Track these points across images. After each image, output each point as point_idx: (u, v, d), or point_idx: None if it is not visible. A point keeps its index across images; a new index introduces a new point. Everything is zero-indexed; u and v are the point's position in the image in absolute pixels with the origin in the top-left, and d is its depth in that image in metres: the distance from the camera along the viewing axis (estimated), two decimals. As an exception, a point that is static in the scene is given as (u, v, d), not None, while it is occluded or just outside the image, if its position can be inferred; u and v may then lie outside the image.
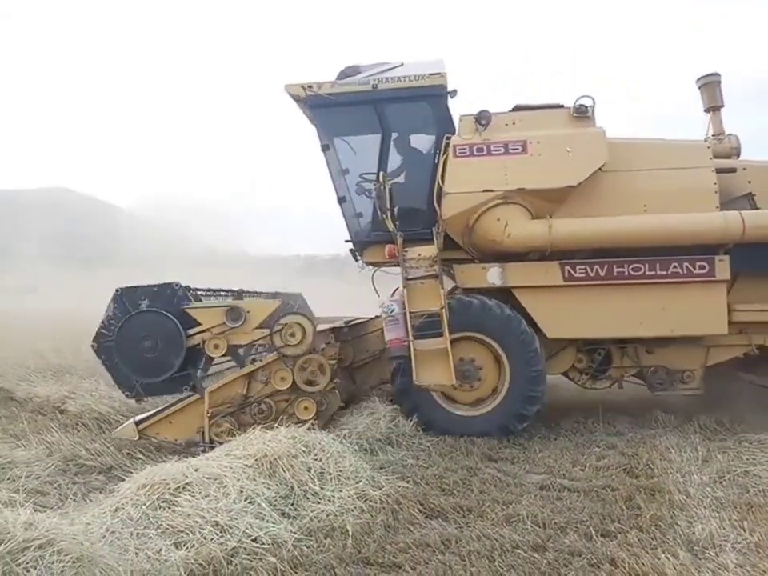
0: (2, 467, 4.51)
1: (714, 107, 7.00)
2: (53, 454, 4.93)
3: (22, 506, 2.95)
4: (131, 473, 4.12)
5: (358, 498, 3.90)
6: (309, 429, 4.65)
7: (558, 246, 5.87)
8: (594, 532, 3.42)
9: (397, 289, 6.15)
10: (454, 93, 6.59)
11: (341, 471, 4.16)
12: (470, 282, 6.26)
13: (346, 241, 6.88)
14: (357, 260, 6.89)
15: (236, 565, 2.99)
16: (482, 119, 6.13)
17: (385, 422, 5.47)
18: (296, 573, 2.98)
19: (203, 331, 5.44)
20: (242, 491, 3.61)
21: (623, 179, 6.05)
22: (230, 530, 3.26)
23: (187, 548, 3.12)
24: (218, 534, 3.22)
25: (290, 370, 5.25)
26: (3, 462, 4.58)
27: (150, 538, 3.19)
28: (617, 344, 6.30)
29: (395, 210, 5.98)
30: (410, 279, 5.79)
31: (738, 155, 6.80)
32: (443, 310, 5.61)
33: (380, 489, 4.04)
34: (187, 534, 3.22)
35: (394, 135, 6.75)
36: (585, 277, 5.94)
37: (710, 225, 5.75)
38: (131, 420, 5.35)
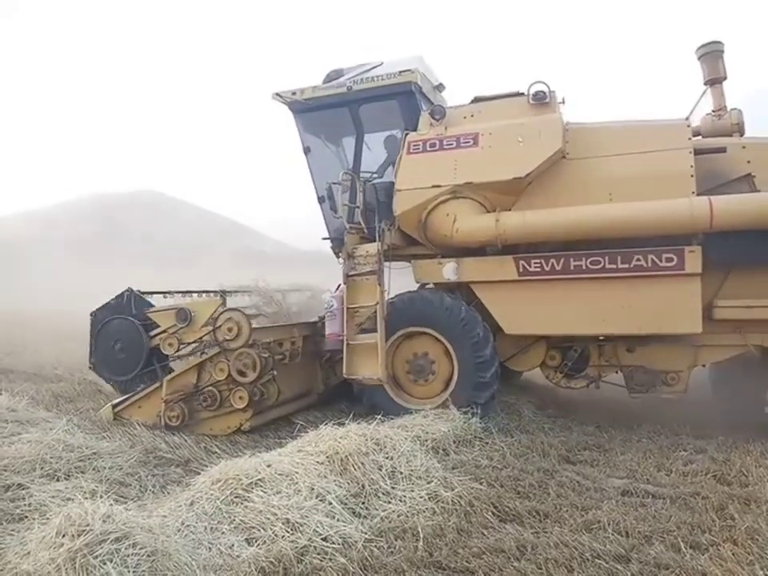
0: (88, 458, 4.68)
1: (715, 79, 6.30)
2: (135, 445, 5.09)
3: (104, 497, 3.04)
4: (207, 467, 4.20)
5: (429, 498, 3.81)
6: (378, 425, 4.63)
7: (507, 239, 5.73)
8: (682, 543, 3.19)
9: (339, 285, 6.25)
10: (441, 87, 6.75)
11: (412, 471, 4.09)
12: (426, 277, 6.35)
13: (324, 238, 7.04)
14: (338, 256, 6.79)
15: (306, 564, 2.97)
16: (436, 114, 6.15)
17: (456, 421, 5.35)
18: (366, 574, 2.93)
19: (163, 332, 6.11)
20: (312, 489, 3.60)
21: (588, 166, 5.74)
22: (301, 528, 3.24)
23: (258, 545, 3.13)
24: (288, 532, 3.21)
25: (227, 362, 5.62)
26: (89, 452, 4.75)
27: (222, 533, 3.22)
28: (594, 341, 6.00)
29: (356, 206, 6.23)
30: (351, 275, 6.00)
31: (742, 132, 6.15)
32: (378, 306, 5.74)
33: (452, 490, 3.93)
34: (259, 530, 3.23)
35: (369, 134, 6.83)
36: (540, 271, 5.72)
37: (672, 213, 5.24)
38: (110, 403, 6.06)
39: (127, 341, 6.31)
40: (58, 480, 4.23)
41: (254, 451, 4.53)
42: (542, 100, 5.90)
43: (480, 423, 5.46)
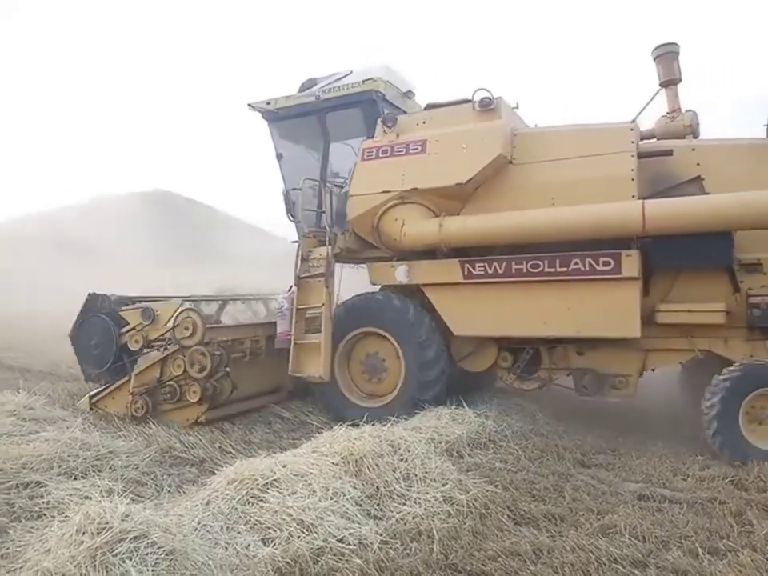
0: (105, 456, 4.73)
1: (670, 81, 6.28)
2: (150, 445, 5.13)
3: (121, 496, 3.07)
4: (222, 466, 4.23)
5: (444, 501, 3.81)
6: (392, 427, 4.64)
7: (450, 243, 5.89)
8: (700, 549, 3.17)
9: (291, 286, 6.50)
10: (410, 94, 6.93)
11: (427, 473, 4.08)
12: (381, 279, 6.52)
13: (293, 242, 7.11)
14: None
15: (322, 565, 2.97)
16: (387, 122, 6.32)
17: (471, 424, 5.34)
18: (382, 576, 2.93)
19: (132, 329, 6.48)
20: (327, 489, 3.61)
21: (532, 171, 5.79)
22: (316, 529, 3.25)
23: (274, 545, 3.14)
24: (304, 533, 3.22)
25: (184, 358, 5.95)
26: (105, 451, 4.79)
27: (239, 532, 3.24)
28: (545, 344, 5.99)
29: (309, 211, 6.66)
30: (303, 277, 6.33)
31: (695, 134, 6.12)
32: (324, 308, 6.04)
33: (467, 492, 3.92)
34: (274, 530, 3.24)
35: (335, 142, 7.07)
36: (483, 274, 5.81)
37: (604, 217, 5.24)
38: (87, 395, 6.44)
39: (100, 337, 6.74)
40: (75, 478, 4.27)
41: (268, 451, 4.54)
42: (487, 106, 5.95)
43: (494, 426, 5.44)
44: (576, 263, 5.41)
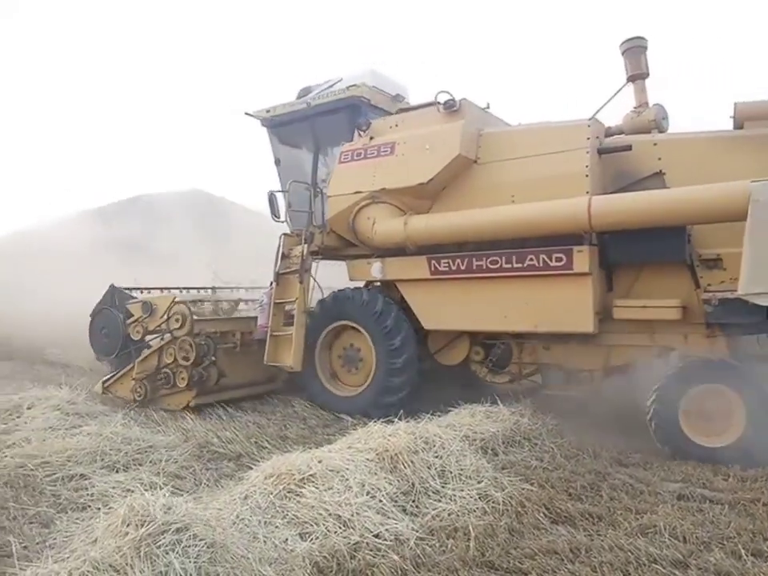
0: (145, 450, 4.85)
1: (637, 75, 6.21)
2: (188, 440, 5.24)
3: (163, 489, 3.13)
4: (258, 461, 4.30)
5: (480, 498, 3.80)
6: (427, 424, 4.65)
7: (415, 241, 6.12)
8: (743, 550, 3.09)
9: (272, 282, 6.93)
10: (399, 97, 7.22)
11: (462, 470, 4.08)
12: (358, 276, 6.88)
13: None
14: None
15: (359, 560, 2.99)
16: (361, 126, 6.69)
17: (506, 422, 5.31)
18: (419, 572, 2.94)
19: (135, 321, 7.12)
20: (363, 485, 3.63)
21: (494, 170, 5.97)
22: (353, 524, 3.28)
23: (312, 540, 3.17)
24: (341, 528, 3.24)
25: (175, 347, 6.56)
26: (145, 446, 4.92)
27: (276, 527, 3.28)
28: (515, 338, 6.11)
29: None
30: (282, 273, 6.81)
31: (661, 128, 6.03)
32: (298, 302, 6.57)
33: (503, 490, 3.91)
34: (312, 525, 3.28)
35: (324, 146, 7.43)
36: (448, 270, 6.05)
37: (553, 214, 5.33)
38: (101, 380, 7.06)
39: (110, 328, 7.55)
40: (117, 471, 4.40)
41: (304, 447, 4.59)
42: (450, 108, 6.14)
43: (529, 424, 5.41)
44: (531, 259, 5.56)
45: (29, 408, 5.87)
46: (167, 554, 2.49)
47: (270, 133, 7.95)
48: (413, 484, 3.82)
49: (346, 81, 7.19)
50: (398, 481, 3.81)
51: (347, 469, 3.76)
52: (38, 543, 3.24)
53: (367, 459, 3.94)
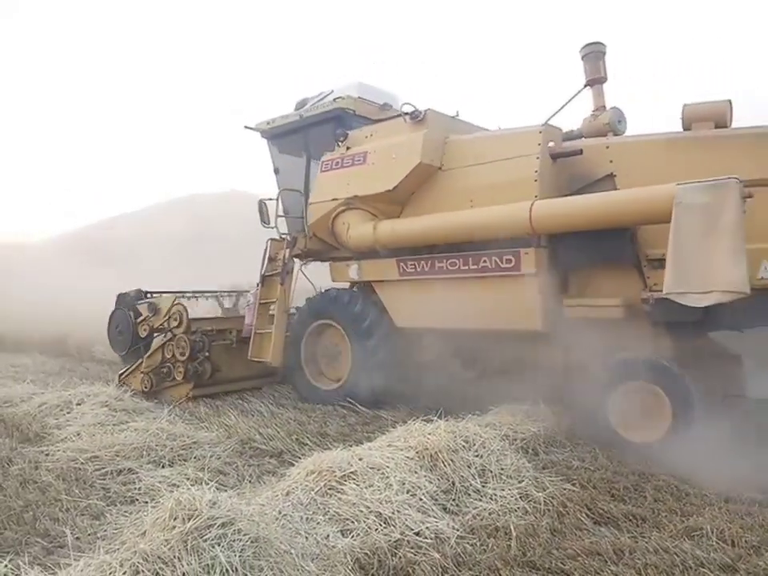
0: (189, 447, 4.96)
1: (595, 80, 6.34)
2: (231, 436, 5.33)
3: (207, 484, 3.21)
4: (299, 458, 4.35)
5: (520, 498, 3.78)
6: (467, 423, 4.64)
7: (383, 244, 6.50)
8: (793, 555, 3.01)
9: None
10: (387, 106, 7.55)
11: (502, 469, 4.06)
12: (339, 277, 7.38)
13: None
14: (302, 262, 8.05)
15: (400, 557, 3.01)
16: (339, 137, 7.11)
17: (547, 421, 5.28)
18: (460, 571, 2.94)
19: (143, 320, 7.75)
20: (403, 483, 3.65)
21: (456, 176, 6.25)
22: (394, 522, 3.29)
23: (353, 536, 3.20)
24: (381, 525, 3.27)
25: (173, 344, 7.16)
26: (190, 441, 5.03)
27: (318, 523, 3.32)
28: (482, 336, 6.15)
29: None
30: (267, 275, 7.40)
31: (616, 131, 6.15)
32: (278, 302, 7.16)
33: (544, 490, 3.88)
34: (353, 522, 3.31)
35: (316, 155, 7.64)
36: (414, 272, 6.44)
37: (501, 218, 5.60)
38: (118, 373, 7.72)
39: (123, 326, 8.26)
40: (163, 466, 4.51)
41: (344, 444, 4.63)
42: (415, 119, 6.47)
43: (570, 424, 5.34)
44: (485, 261, 5.88)
45: (78, 404, 6.07)
46: (213, 547, 2.54)
47: (269, 144, 8.49)
48: (453, 483, 3.82)
49: (336, 93, 7.64)
50: (438, 479, 3.82)
51: (387, 466, 3.78)
52: (89, 535, 3.36)
53: (407, 457, 3.95)
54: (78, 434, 5.15)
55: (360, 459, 3.85)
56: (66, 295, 12.10)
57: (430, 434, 4.27)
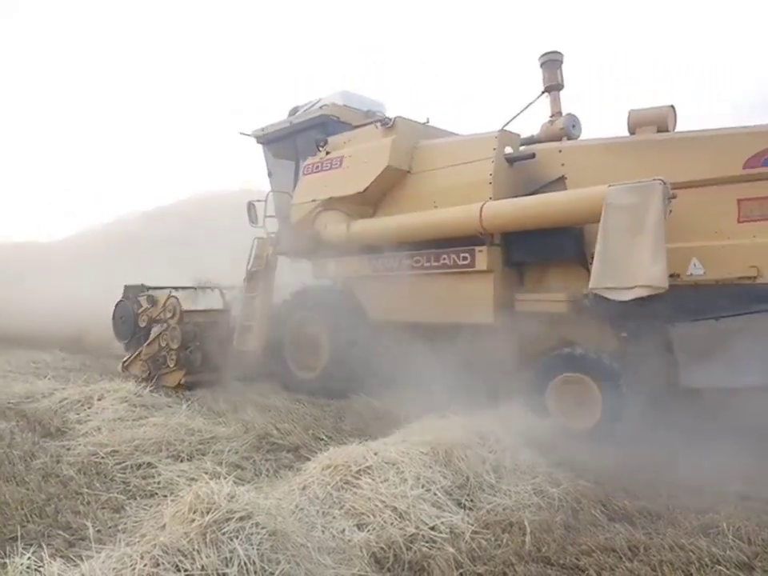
0: (208, 441, 5.03)
1: (552, 86, 6.78)
2: (248, 431, 5.38)
3: (225, 478, 3.26)
4: (315, 453, 4.38)
5: (535, 493, 3.80)
6: (481, 419, 4.66)
7: (355, 242, 7.03)
8: (811, 554, 3.00)
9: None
10: (370, 113, 7.90)
11: (516, 465, 4.08)
12: (319, 274, 7.88)
13: None
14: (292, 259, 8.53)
15: (415, 551, 3.04)
16: (319, 143, 7.62)
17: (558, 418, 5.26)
18: (475, 565, 2.96)
19: (143, 311, 8.20)
20: (418, 478, 3.68)
21: (423, 179, 6.72)
22: (409, 516, 3.32)
23: (369, 530, 3.24)
24: (397, 519, 3.30)
25: (167, 334, 7.62)
26: (208, 436, 5.10)
27: (334, 517, 3.36)
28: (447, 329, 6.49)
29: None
30: (252, 271, 7.95)
31: (571, 136, 6.54)
32: (260, 296, 7.71)
33: (558, 486, 3.89)
34: (368, 516, 3.34)
35: (304, 159, 8.06)
36: (383, 268, 6.94)
37: (456, 218, 6.02)
38: (121, 360, 8.27)
39: (126, 316, 8.60)
40: (181, 461, 4.58)
41: (359, 439, 4.66)
42: (386, 125, 6.99)
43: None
44: (444, 258, 6.31)
45: (99, 399, 6.17)
46: (231, 540, 2.59)
47: (264, 149, 9.06)
48: (467, 478, 3.84)
49: (323, 101, 8.17)
50: (453, 474, 3.85)
51: (402, 461, 3.82)
52: (110, 527, 3.42)
53: (422, 452, 3.98)
54: (99, 429, 5.23)
55: (375, 454, 3.88)
56: (84, 292, 12.24)
57: (444, 429, 4.30)
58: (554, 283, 5.84)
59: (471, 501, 3.70)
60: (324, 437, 5.29)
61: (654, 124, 5.56)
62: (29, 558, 2.70)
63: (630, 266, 4.69)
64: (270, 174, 9.08)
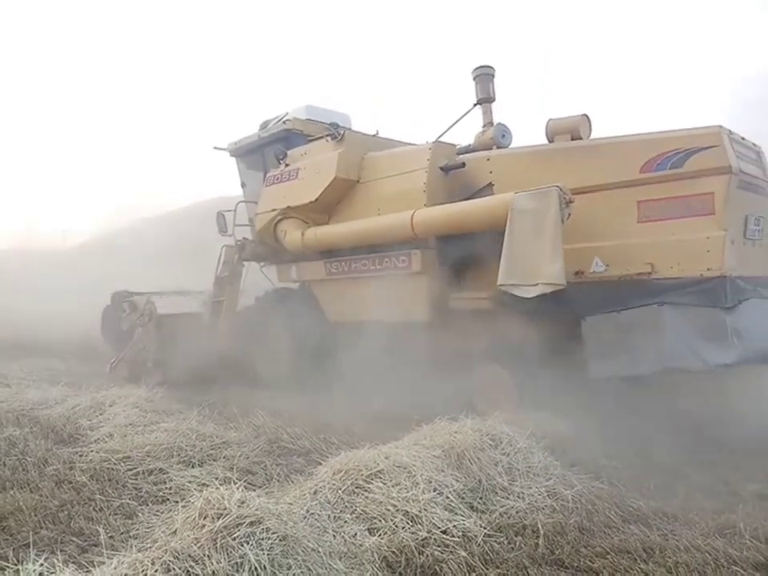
0: (218, 446, 5.01)
1: (485, 99, 7.15)
2: (259, 436, 5.37)
3: (236, 483, 3.25)
4: (327, 457, 4.36)
5: (548, 496, 3.75)
6: (493, 421, 4.62)
7: (309, 248, 7.55)
8: (831, 554, 2.95)
9: None
10: (334, 125, 7.96)
11: (529, 467, 4.04)
12: (283, 278, 8.55)
13: None
14: (261, 264, 9.24)
15: (427, 556, 3.02)
16: (279, 155, 8.08)
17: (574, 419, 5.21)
18: (487, 569, 2.94)
19: (126, 315, 8.84)
20: (430, 482, 3.64)
21: (369, 188, 7.19)
22: (420, 520, 3.29)
23: (380, 535, 3.21)
24: (408, 523, 3.27)
25: (146, 336, 8.28)
26: (219, 441, 5.09)
27: (345, 521, 3.34)
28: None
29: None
30: (220, 276, 8.71)
31: (500, 145, 6.86)
32: (226, 300, 8.49)
33: (572, 488, 3.85)
34: (380, 520, 3.31)
35: (269, 171, 8.52)
36: (337, 272, 7.50)
37: (391, 225, 6.47)
38: (109, 362, 8.65)
39: (111, 319, 9.27)
40: (193, 466, 4.57)
41: (370, 443, 4.63)
42: (335, 138, 7.44)
43: (597, 421, 5.28)
44: (386, 261, 6.82)
45: (110, 405, 6.17)
46: (242, 545, 2.58)
47: (237, 161, 9.61)
48: (480, 481, 3.81)
49: (288, 115, 8.60)
50: (465, 478, 3.81)
51: (414, 465, 3.78)
52: (122, 533, 3.42)
53: (433, 456, 3.95)
54: (111, 435, 5.23)
55: (386, 458, 3.86)
56: (95, 299, 12.34)
57: (456, 432, 4.27)
58: (481, 282, 6.10)
59: (484, 504, 3.67)
60: (335, 441, 5.27)
61: (568, 132, 5.89)
62: (41, 565, 2.70)
63: (532, 265, 5.07)
64: (243, 185, 9.65)
